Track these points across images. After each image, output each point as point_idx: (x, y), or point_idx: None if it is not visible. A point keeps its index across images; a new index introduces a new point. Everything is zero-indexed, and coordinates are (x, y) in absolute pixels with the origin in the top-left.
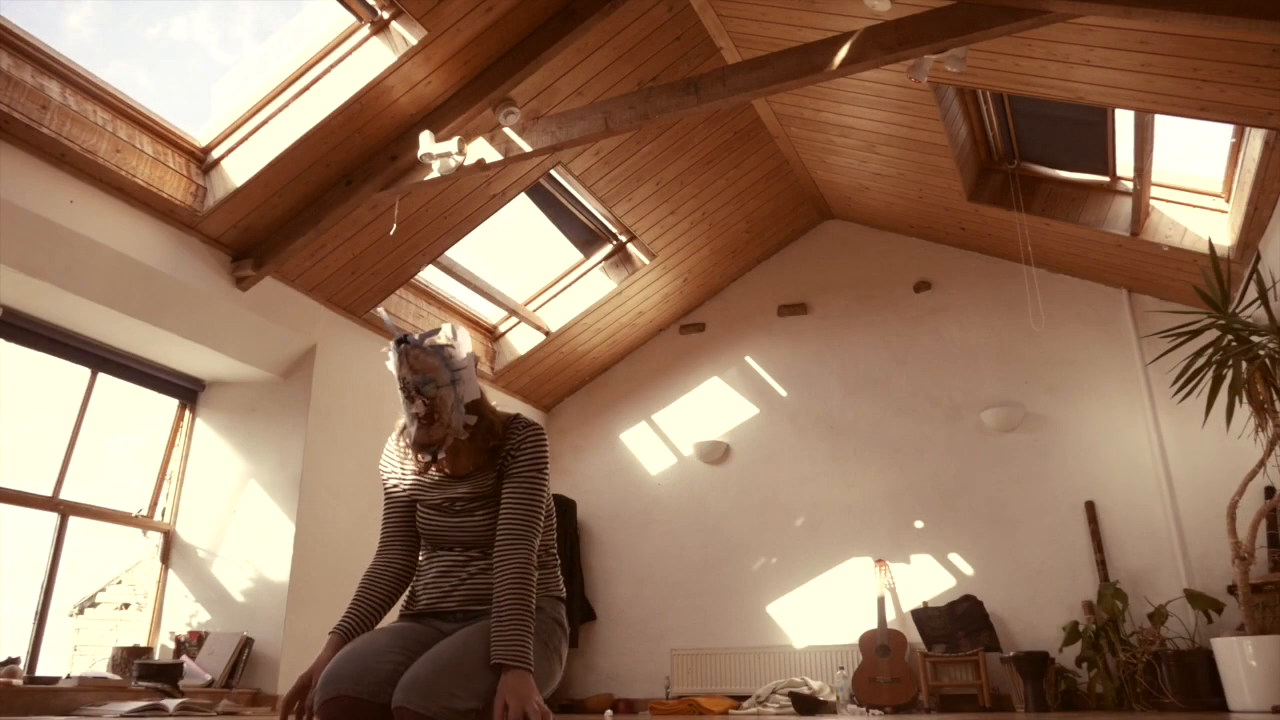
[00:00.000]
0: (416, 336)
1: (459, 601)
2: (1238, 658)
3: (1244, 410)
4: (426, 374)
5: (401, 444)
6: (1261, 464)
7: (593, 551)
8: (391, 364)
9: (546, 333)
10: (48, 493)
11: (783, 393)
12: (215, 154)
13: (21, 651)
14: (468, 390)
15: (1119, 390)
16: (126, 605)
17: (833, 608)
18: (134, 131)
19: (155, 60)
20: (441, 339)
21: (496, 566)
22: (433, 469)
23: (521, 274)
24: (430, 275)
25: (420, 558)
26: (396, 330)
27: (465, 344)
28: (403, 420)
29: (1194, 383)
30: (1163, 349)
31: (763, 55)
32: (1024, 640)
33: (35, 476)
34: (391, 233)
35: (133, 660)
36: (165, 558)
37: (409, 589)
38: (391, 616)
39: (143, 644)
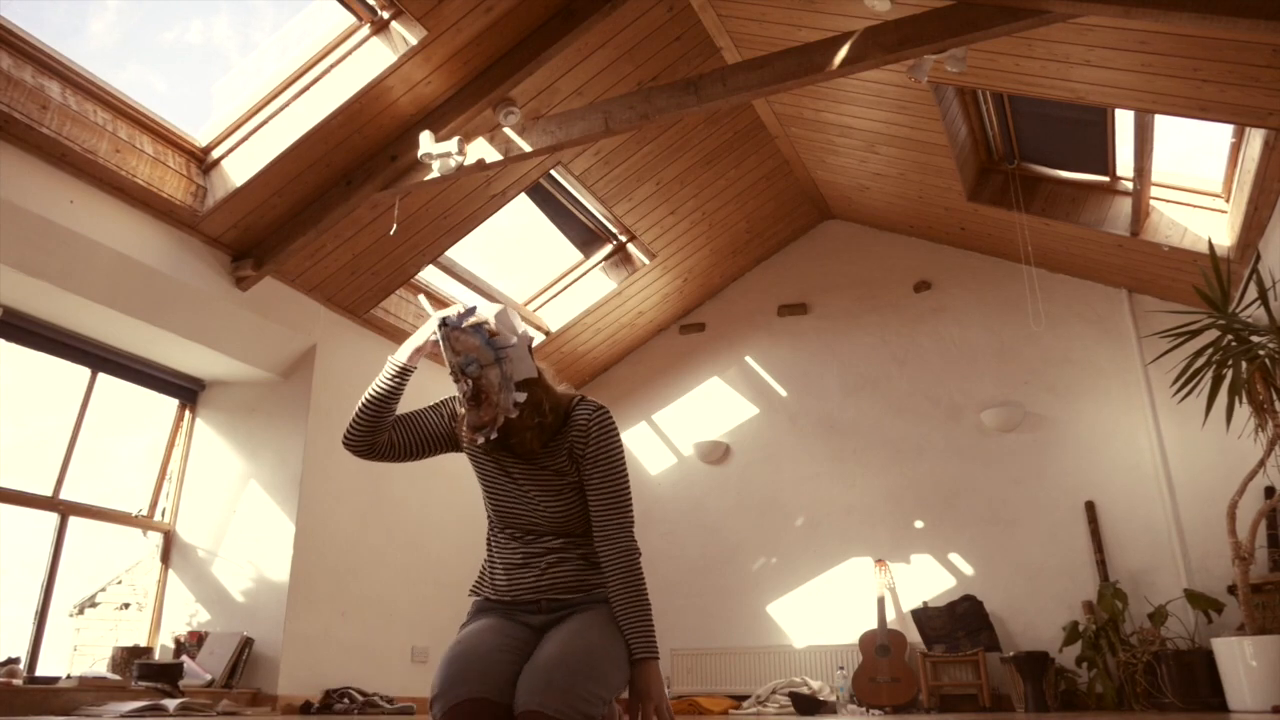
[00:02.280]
0: (455, 318)
1: (541, 591)
2: (1238, 658)
3: (1244, 410)
4: (469, 354)
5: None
6: (1261, 464)
7: None
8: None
9: (547, 333)
10: (48, 493)
11: (783, 393)
12: (215, 154)
13: (21, 651)
14: (517, 369)
15: (1119, 390)
16: (126, 605)
17: (833, 608)
18: (134, 131)
19: (172, 65)
20: (479, 317)
21: (605, 559)
22: (489, 441)
23: (521, 274)
24: (430, 275)
25: (490, 539)
26: (435, 313)
27: (512, 323)
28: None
29: (1194, 383)
30: (1163, 349)
31: (763, 55)
32: (1024, 640)
33: (35, 476)
34: (392, 233)
35: (133, 660)
36: (165, 558)
37: (489, 572)
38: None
39: (143, 644)
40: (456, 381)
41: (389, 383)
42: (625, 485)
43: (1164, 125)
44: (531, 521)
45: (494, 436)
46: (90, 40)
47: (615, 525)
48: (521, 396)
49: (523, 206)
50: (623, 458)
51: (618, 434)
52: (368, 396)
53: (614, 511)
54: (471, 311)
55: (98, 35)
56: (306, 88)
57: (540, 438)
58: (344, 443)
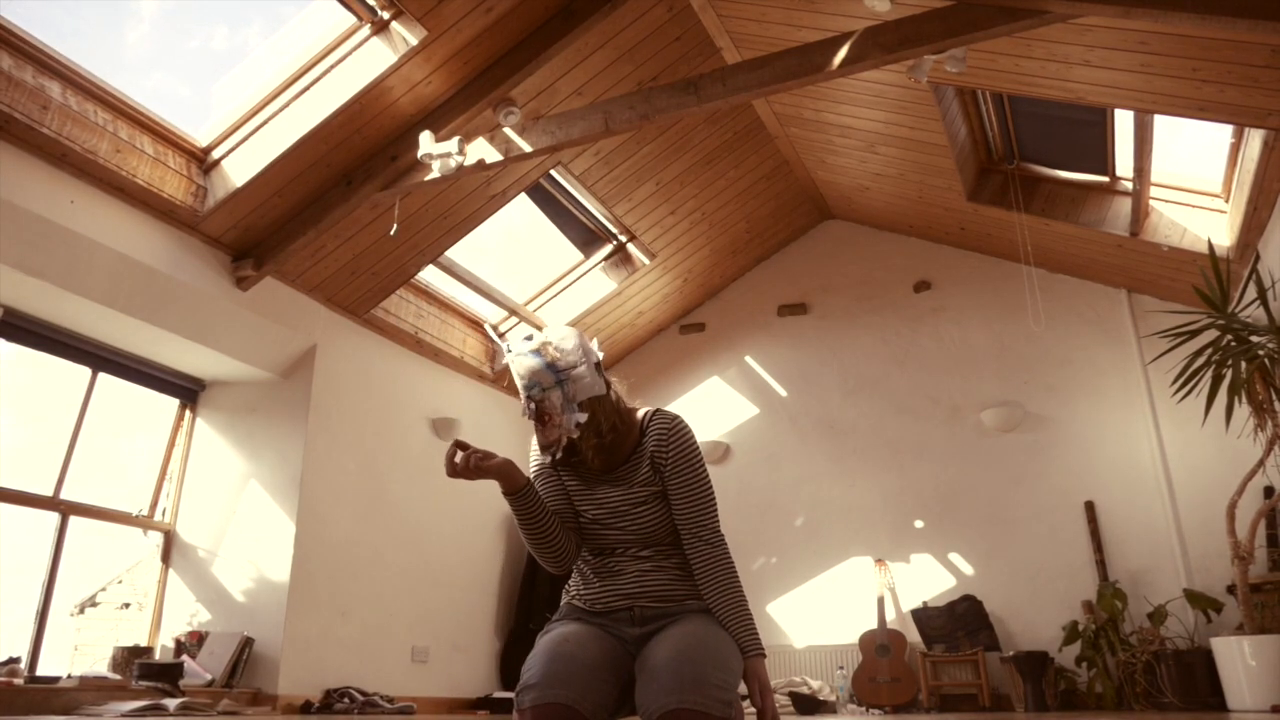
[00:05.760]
0: (518, 344)
1: (634, 598)
2: (1237, 657)
3: (1243, 410)
4: (531, 378)
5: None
6: (1261, 464)
7: None
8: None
9: None
10: (48, 493)
11: (783, 393)
12: (215, 154)
13: (22, 651)
14: (580, 389)
15: (1119, 390)
16: (127, 605)
17: (833, 608)
18: (134, 132)
19: (197, 70)
20: (540, 340)
21: (700, 563)
22: (555, 460)
23: (521, 274)
24: (430, 275)
25: (580, 563)
26: (501, 342)
27: (574, 343)
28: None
29: (1193, 383)
30: (1162, 349)
31: (763, 55)
32: (1024, 640)
33: (36, 476)
34: (392, 233)
35: (133, 660)
36: (165, 557)
37: (579, 583)
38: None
39: (143, 644)
40: (525, 405)
41: (517, 513)
42: (710, 489)
43: (1166, 130)
44: (620, 539)
45: (559, 456)
46: (127, 50)
47: (706, 529)
48: (583, 417)
49: (523, 206)
50: (703, 463)
51: (695, 441)
52: (521, 533)
53: (702, 515)
54: (530, 337)
55: (132, 46)
56: (307, 88)
57: (602, 455)
58: (554, 572)
